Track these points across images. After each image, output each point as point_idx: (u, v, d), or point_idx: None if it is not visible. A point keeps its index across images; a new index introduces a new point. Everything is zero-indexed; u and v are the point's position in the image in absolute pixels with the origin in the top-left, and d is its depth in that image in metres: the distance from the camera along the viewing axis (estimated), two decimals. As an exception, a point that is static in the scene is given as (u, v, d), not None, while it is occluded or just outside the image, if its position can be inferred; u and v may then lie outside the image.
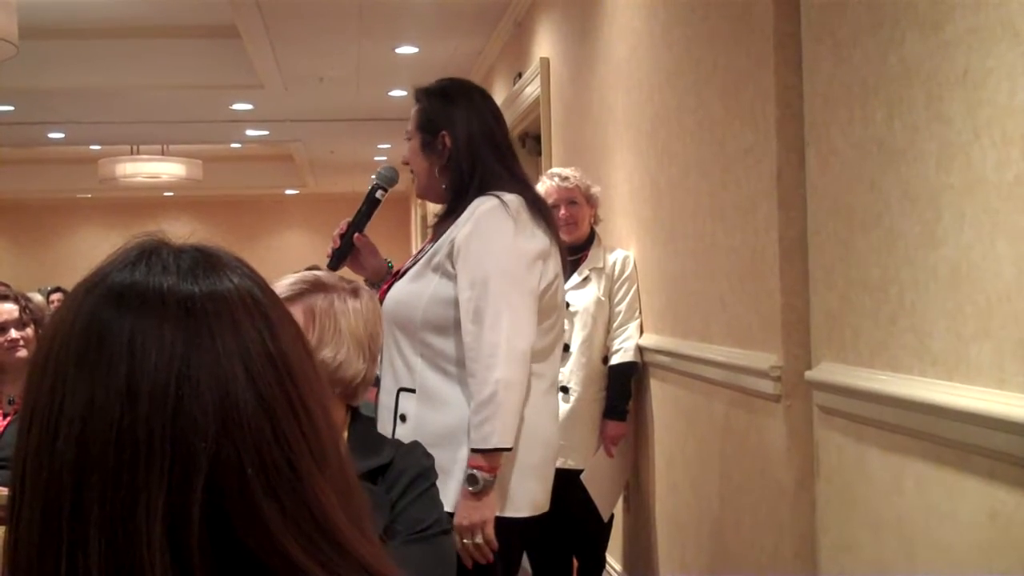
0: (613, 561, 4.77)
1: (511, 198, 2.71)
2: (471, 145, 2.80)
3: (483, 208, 2.69)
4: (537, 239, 2.73)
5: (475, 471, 2.62)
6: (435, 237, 2.82)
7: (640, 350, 4.14)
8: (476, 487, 2.62)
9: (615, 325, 4.18)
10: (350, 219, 2.93)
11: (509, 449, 2.66)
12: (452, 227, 2.73)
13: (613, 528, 4.51)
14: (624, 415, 4.18)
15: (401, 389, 2.75)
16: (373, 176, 2.97)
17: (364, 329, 1.97)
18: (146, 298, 0.82)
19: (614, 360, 4.15)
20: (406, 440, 2.53)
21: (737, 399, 3.19)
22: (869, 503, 2.47)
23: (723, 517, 3.38)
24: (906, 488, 2.29)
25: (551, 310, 2.80)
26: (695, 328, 3.56)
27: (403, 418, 2.73)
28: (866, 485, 2.49)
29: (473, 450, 2.64)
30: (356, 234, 2.92)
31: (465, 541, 2.62)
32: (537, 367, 2.75)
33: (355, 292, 1.99)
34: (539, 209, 2.78)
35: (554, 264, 2.78)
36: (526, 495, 2.76)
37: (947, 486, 2.13)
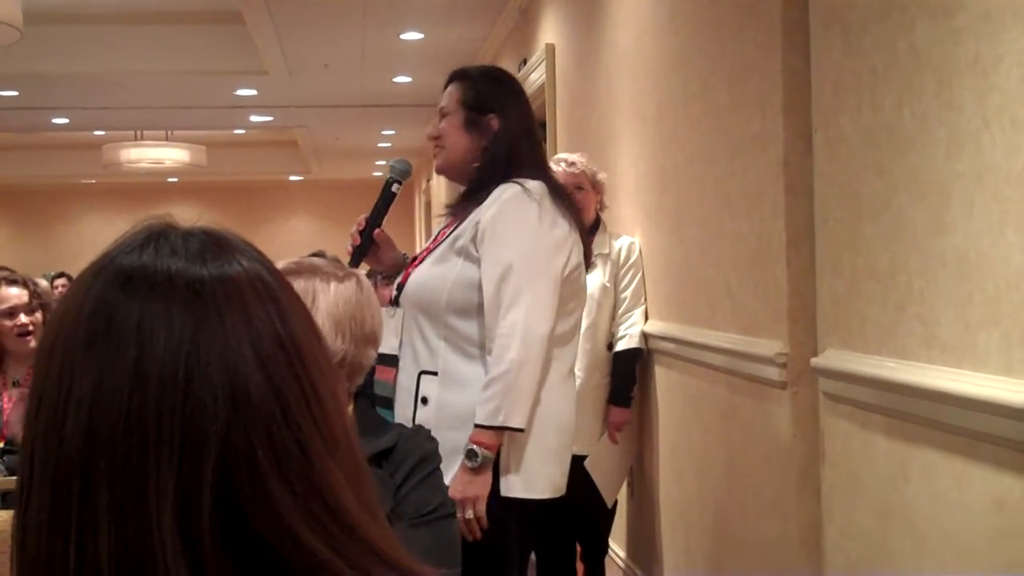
0: (617, 547, 4.77)
1: (534, 184, 2.75)
2: (517, 134, 2.85)
3: (508, 194, 2.73)
4: (560, 226, 2.76)
5: (475, 447, 2.65)
6: (456, 220, 2.84)
7: (645, 337, 4.14)
8: (474, 462, 2.65)
9: (620, 311, 4.18)
10: (367, 215, 2.94)
11: (519, 430, 2.68)
12: (475, 211, 2.76)
13: (617, 514, 4.51)
14: (629, 401, 4.18)
15: (422, 372, 2.77)
16: (389, 164, 2.99)
17: (344, 309, 1.94)
18: (154, 281, 0.81)
19: (619, 347, 4.15)
20: (428, 423, 2.55)
21: (743, 386, 3.19)
22: (875, 490, 2.47)
23: (728, 504, 3.38)
24: (912, 476, 2.29)
25: (572, 296, 2.83)
26: (701, 315, 3.56)
27: (424, 401, 2.76)
28: (872, 472, 2.49)
29: (477, 425, 2.66)
30: (377, 230, 2.93)
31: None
32: (557, 351, 2.79)
33: (344, 277, 1.97)
34: (560, 196, 2.82)
35: (576, 251, 2.82)
36: (546, 477, 2.79)
37: (954, 474, 2.13)
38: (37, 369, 0.82)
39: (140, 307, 0.80)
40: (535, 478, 2.76)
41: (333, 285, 1.94)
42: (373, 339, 2.01)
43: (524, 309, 2.66)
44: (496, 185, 2.76)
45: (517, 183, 2.75)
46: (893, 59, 2.31)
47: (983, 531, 2.04)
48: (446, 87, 2.96)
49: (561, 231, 2.77)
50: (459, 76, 2.95)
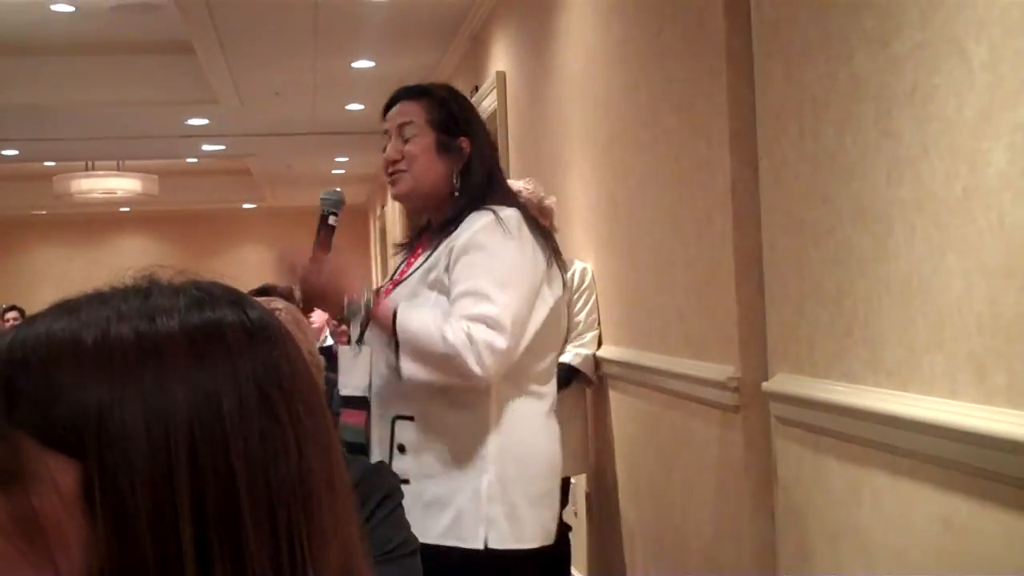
0: (576, 572, 4.77)
1: (510, 213, 2.56)
2: (491, 156, 2.71)
3: (481, 222, 2.53)
4: (538, 259, 2.58)
5: (365, 313, 2.49)
6: (424, 251, 2.66)
7: (597, 362, 4.15)
8: (354, 315, 2.50)
9: (574, 334, 4.19)
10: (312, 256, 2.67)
11: (397, 352, 2.46)
12: (446, 240, 2.56)
13: (577, 539, 4.51)
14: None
15: (397, 417, 2.57)
16: (321, 196, 2.74)
17: (306, 349, 1.99)
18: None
19: (561, 359, 4.13)
20: (406, 473, 2.45)
21: (695, 410, 3.22)
22: (827, 512, 2.50)
23: (684, 527, 3.41)
24: (862, 497, 2.32)
25: (555, 329, 2.68)
26: (653, 340, 3.59)
27: (401, 448, 2.56)
28: (823, 494, 2.52)
29: (395, 319, 2.46)
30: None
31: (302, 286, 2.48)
32: (540, 388, 2.64)
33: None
34: (537, 225, 2.65)
35: (556, 285, 2.64)
36: (537, 523, 2.60)
37: (902, 495, 2.17)
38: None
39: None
40: (526, 526, 2.56)
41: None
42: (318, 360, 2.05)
43: (482, 338, 2.42)
44: (469, 213, 2.58)
45: (490, 211, 2.55)
46: (834, 88, 2.35)
47: (931, 551, 2.07)
48: (393, 104, 2.72)
49: (539, 264, 2.57)
50: (418, 93, 2.71)
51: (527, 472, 2.59)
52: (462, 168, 2.64)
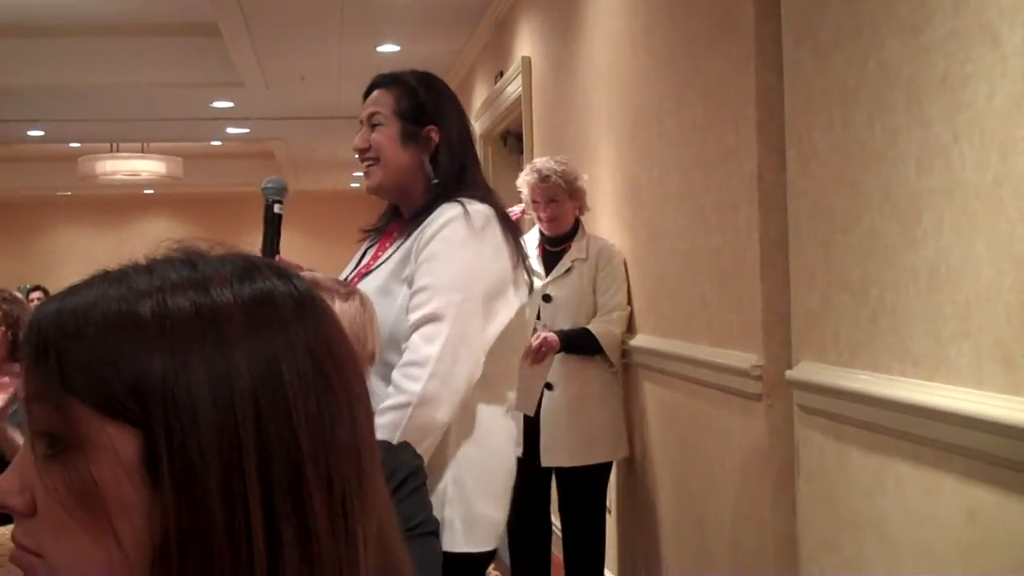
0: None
1: (480, 208, 2.50)
2: (463, 146, 2.61)
3: (448, 215, 2.47)
4: (501, 257, 2.50)
5: None
6: (395, 242, 2.60)
7: (623, 347, 4.12)
8: None
9: (601, 312, 4.12)
10: (261, 248, 2.66)
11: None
12: (416, 233, 2.49)
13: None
14: (568, 346, 4.06)
15: None
16: (262, 186, 2.74)
17: (349, 331, 1.95)
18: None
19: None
20: None
21: (719, 398, 3.21)
22: (850, 502, 2.50)
23: (705, 516, 3.40)
24: (886, 487, 2.31)
25: (520, 336, 2.63)
26: (677, 328, 3.58)
27: None
28: (847, 484, 2.51)
29: None
30: (277, 257, 2.62)
31: None
32: (501, 390, 2.58)
33: (348, 295, 1.93)
34: (508, 225, 2.57)
35: (521, 287, 2.57)
36: (491, 526, 2.53)
37: (926, 485, 2.16)
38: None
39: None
40: (481, 528, 2.49)
41: (339, 306, 1.87)
42: (372, 359, 2.01)
43: (442, 345, 2.37)
44: (440, 203, 2.50)
45: (460, 203, 2.47)
46: (863, 75, 2.34)
47: (955, 542, 2.06)
48: (370, 92, 2.68)
49: (502, 263, 2.50)
50: (390, 81, 2.66)
51: (486, 475, 2.54)
52: (426, 159, 2.59)
